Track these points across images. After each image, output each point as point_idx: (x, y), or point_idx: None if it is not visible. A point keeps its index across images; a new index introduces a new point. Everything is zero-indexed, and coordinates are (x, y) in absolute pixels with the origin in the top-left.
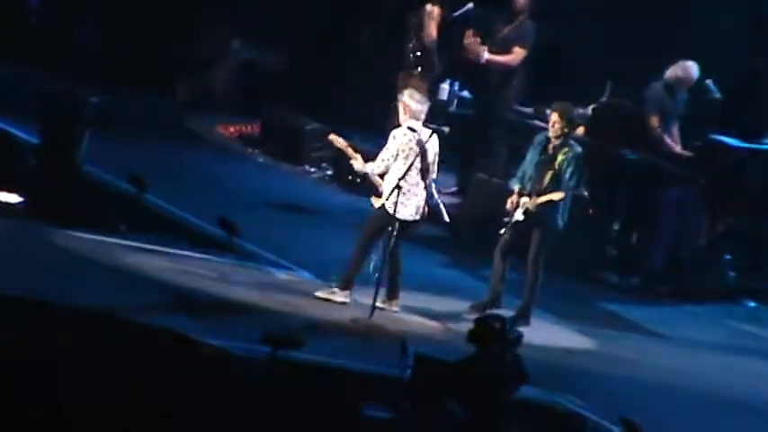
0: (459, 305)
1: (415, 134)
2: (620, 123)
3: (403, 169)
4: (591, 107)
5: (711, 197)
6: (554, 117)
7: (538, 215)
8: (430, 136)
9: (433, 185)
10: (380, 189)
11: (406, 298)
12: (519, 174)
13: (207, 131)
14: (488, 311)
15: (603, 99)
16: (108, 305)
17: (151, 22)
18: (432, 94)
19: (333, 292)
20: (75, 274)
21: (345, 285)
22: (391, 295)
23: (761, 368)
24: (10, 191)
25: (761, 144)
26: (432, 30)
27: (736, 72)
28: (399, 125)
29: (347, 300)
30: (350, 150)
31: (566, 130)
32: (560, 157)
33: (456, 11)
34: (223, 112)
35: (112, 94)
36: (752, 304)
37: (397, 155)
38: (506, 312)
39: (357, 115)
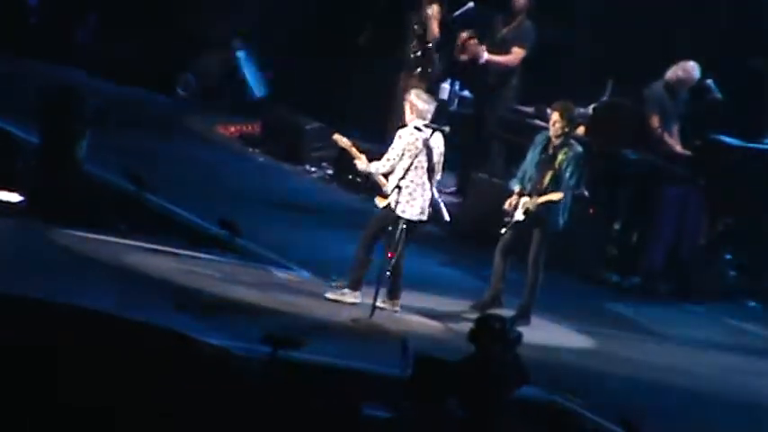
0: (460, 305)
1: (422, 134)
2: (620, 123)
3: (407, 169)
4: (591, 107)
5: (712, 197)
6: (555, 116)
7: (538, 215)
8: (434, 135)
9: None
10: (385, 189)
11: (406, 298)
12: (519, 174)
13: (207, 131)
14: (489, 311)
15: (604, 99)
16: (108, 304)
17: (151, 22)
18: (432, 93)
19: (343, 293)
20: (75, 274)
21: (354, 285)
22: (392, 295)
23: (761, 367)
24: (10, 190)
25: (761, 144)
26: (434, 29)
27: (736, 72)
28: (405, 125)
29: (357, 300)
30: (354, 150)
31: (566, 130)
32: (560, 157)
33: (456, 10)
34: (223, 111)
35: (112, 94)
36: (752, 304)
37: (403, 154)
38: (507, 312)
39: (358, 115)
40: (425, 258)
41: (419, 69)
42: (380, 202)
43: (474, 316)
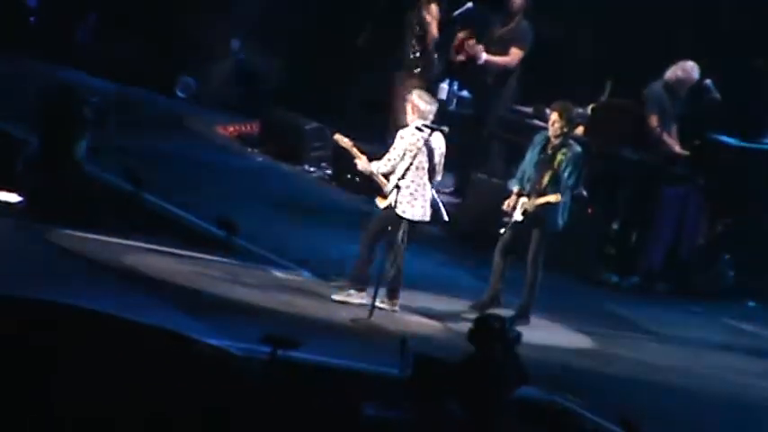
0: (459, 305)
1: (423, 134)
2: (619, 123)
3: (409, 169)
4: (590, 107)
5: (711, 197)
6: (554, 116)
7: (537, 216)
8: (435, 135)
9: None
10: (385, 189)
11: (405, 298)
12: (518, 174)
13: (206, 131)
14: (488, 311)
15: (603, 99)
16: (107, 305)
17: (151, 22)
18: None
19: (349, 295)
20: (74, 274)
21: (359, 286)
22: (391, 295)
23: (760, 367)
24: (9, 190)
25: (760, 144)
26: (434, 29)
27: (735, 72)
28: (406, 125)
29: (364, 300)
30: (355, 150)
31: (565, 130)
32: (559, 157)
33: (456, 10)
34: (222, 111)
35: (112, 94)
36: (751, 304)
37: (404, 155)
38: (506, 312)
39: (356, 115)
40: (425, 258)
41: (418, 69)
42: (381, 203)
43: (473, 316)
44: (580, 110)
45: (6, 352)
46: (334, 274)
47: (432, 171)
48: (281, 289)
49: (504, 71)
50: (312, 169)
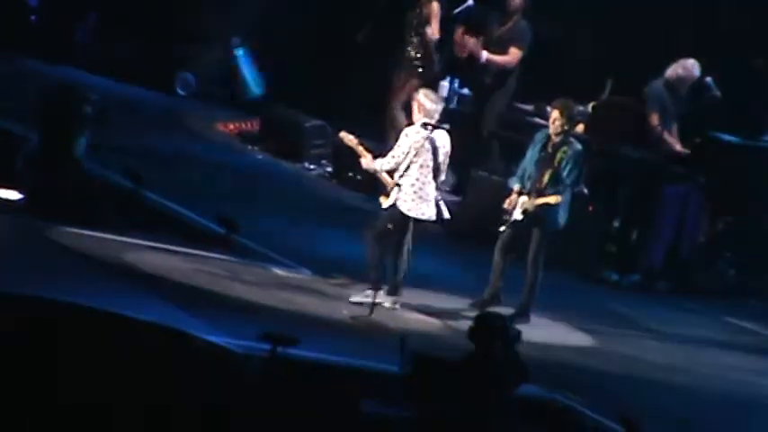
0: (459, 302)
1: (428, 133)
2: (620, 121)
3: (413, 167)
4: (591, 104)
5: (711, 195)
6: (554, 114)
7: (537, 215)
8: (441, 134)
9: None
10: (389, 188)
11: (405, 295)
12: (519, 172)
13: (206, 129)
14: (488, 309)
15: (604, 96)
16: (107, 302)
17: (151, 20)
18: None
19: (367, 296)
20: (74, 271)
21: (375, 286)
22: (392, 292)
23: (760, 366)
24: (9, 187)
25: (761, 142)
26: (435, 28)
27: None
28: (406, 123)
29: (382, 300)
30: (360, 148)
31: (566, 128)
32: (560, 155)
33: (456, 8)
34: (223, 109)
35: (112, 92)
36: (752, 302)
37: (409, 152)
38: (506, 310)
39: (356, 113)
40: (424, 256)
41: (419, 68)
42: (385, 202)
43: (473, 314)
44: (581, 108)
45: (6, 349)
46: (334, 271)
47: (436, 170)
48: (280, 286)
49: (504, 71)
50: (312, 167)
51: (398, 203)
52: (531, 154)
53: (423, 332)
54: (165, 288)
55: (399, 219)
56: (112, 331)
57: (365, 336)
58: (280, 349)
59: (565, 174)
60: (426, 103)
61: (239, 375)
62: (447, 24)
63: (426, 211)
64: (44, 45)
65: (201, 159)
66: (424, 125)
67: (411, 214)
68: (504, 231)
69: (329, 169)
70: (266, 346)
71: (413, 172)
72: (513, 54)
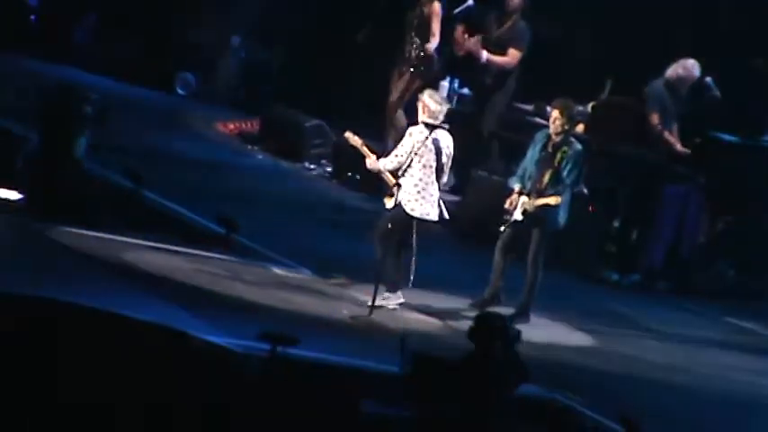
0: (459, 302)
1: (432, 133)
2: (620, 121)
3: (416, 168)
4: (591, 104)
5: (711, 195)
6: (555, 114)
7: (537, 215)
8: (443, 135)
9: None
10: (394, 188)
11: (405, 295)
12: (519, 171)
13: (206, 128)
14: (488, 309)
15: (603, 96)
16: (107, 302)
17: (150, 20)
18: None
19: (384, 298)
20: (73, 271)
21: (392, 288)
22: (392, 290)
23: (760, 366)
24: (9, 187)
25: (761, 142)
26: (437, 28)
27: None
28: (414, 123)
29: (401, 300)
30: (365, 149)
31: (566, 127)
32: (560, 155)
33: (456, 8)
34: (222, 109)
35: (111, 92)
36: (752, 302)
37: (412, 152)
38: (506, 310)
39: (356, 113)
40: (425, 256)
41: (419, 68)
42: (388, 202)
43: (473, 314)
44: (581, 107)
45: (6, 349)
46: (334, 271)
47: (439, 170)
48: (280, 286)
49: (504, 71)
50: (312, 167)
51: (402, 204)
52: (532, 154)
53: (423, 332)
54: (165, 288)
55: (403, 219)
56: (112, 331)
57: (365, 335)
58: (279, 349)
59: (565, 174)
60: (431, 103)
61: (239, 375)
62: (447, 24)
63: (431, 212)
64: (44, 45)
65: (201, 159)
66: (428, 125)
67: (415, 214)
68: (504, 231)
69: (329, 169)
70: (266, 346)
71: (416, 172)
72: (513, 54)
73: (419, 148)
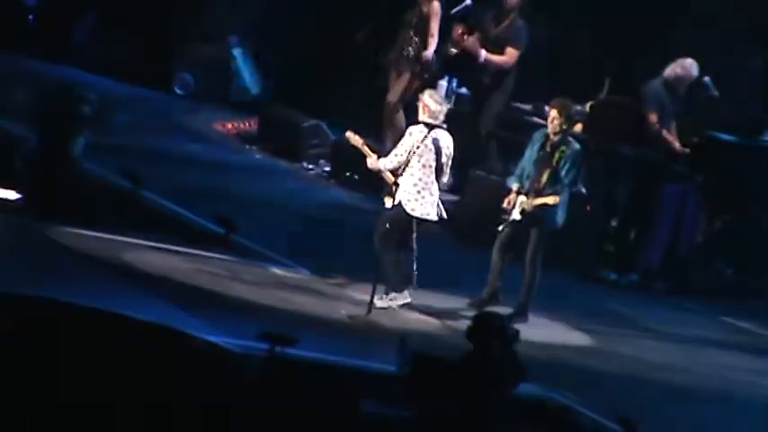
0: (458, 302)
1: (431, 132)
2: (618, 120)
3: (416, 167)
4: (589, 104)
5: (709, 194)
6: (553, 113)
7: (535, 215)
8: (443, 135)
9: None
10: (394, 188)
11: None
12: (517, 171)
13: (204, 128)
14: (486, 308)
15: (602, 96)
16: (106, 302)
17: (149, 20)
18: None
19: (392, 299)
20: (72, 271)
21: (398, 287)
22: (389, 291)
23: (758, 365)
24: (7, 187)
25: (759, 142)
26: (436, 27)
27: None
28: (413, 123)
29: (409, 299)
30: (366, 148)
31: (564, 127)
32: (558, 154)
33: (454, 8)
34: (221, 109)
35: (110, 92)
36: (749, 302)
37: (412, 152)
38: (504, 309)
39: (355, 112)
40: (423, 255)
41: (418, 67)
42: (388, 201)
43: (472, 313)
44: (579, 107)
45: (6, 349)
46: (332, 271)
47: (439, 170)
48: (279, 286)
49: (502, 70)
50: (310, 166)
51: (403, 203)
52: (530, 153)
53: (421, 331)
54: (164, 288)
55: (403, 219)
56: (112, 331)
57: (364, 335)
58: (278, 349)
59: (563, 173)
60: (431, 103)
61: (238, 375)
62: (445, 24)
63: (431, 212)
64: (43, 45)
65: (199, 159)
66: (428, 125)
67: (415, 214)
68: (502, 231)
69: (327, 169)
70: (265, 346)
71: (416, 172)
72: (511, 54)
73: (419, 148)
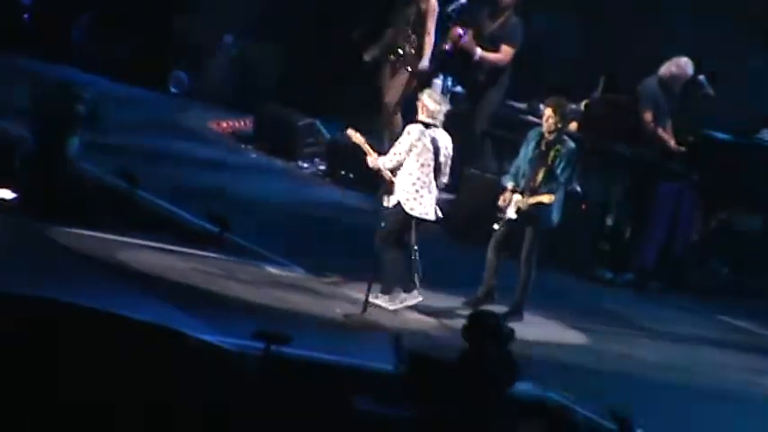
0: (453, 301)
1: (430, 132)
2: (613, 119)
3: (414, 166)
4: (584, 102)
5: (705, 193)
6: (548, 112)
7: (530, 213)
8: (442, 135)
9: None
10: (392, 187)
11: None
12: (512, 170)
13: (200, 127)
14: (481, 307)
15: (596, 94)
16: (102, 301)
17: (144, 19)
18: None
19: (402, 300)
20: (68, 271)
21: (407, 287)
22: (386, 291)
23: (754, 364)
24: (5, 187)
25: (754, 140)
26: (432, 25)
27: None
28: (417, 121)
29: (420, 298)
30: (367, 147)
31: (559, 126)
32: (553, 153)
33: (449, 6)
34: (216, 108)
35: (106, 91)
36: (745, 300)
37: (410, 150)
38: (499, 308)
39: (351, 111)
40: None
41: (413, 65)
42: (388, 201)
43: (467, 312)
44: (574, 106)
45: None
46: (327, 269)
47: (437, 170)
48: (274, 285)
49: (497, 68)
50: (306, 165)
51: (401, 203)
52: (525, 152)
53: (417, 330)
54: (160, 287)
55: (402, 218)
56: (112, 331)
57: (359, 334)
58: (273, 348)
59: (558, 172)
60: (430, 103)
61: (234, 374)
62: (440, 22)
63: (429, 211)
64: (38, 44)
65: (195, 158)
66: (427, 125)
67: (414, 213)
68: (497, 229)
69: (322, 167)
70: (260, 345)
71: (414, 171)
72: (506, 52)
73: (417, 147)
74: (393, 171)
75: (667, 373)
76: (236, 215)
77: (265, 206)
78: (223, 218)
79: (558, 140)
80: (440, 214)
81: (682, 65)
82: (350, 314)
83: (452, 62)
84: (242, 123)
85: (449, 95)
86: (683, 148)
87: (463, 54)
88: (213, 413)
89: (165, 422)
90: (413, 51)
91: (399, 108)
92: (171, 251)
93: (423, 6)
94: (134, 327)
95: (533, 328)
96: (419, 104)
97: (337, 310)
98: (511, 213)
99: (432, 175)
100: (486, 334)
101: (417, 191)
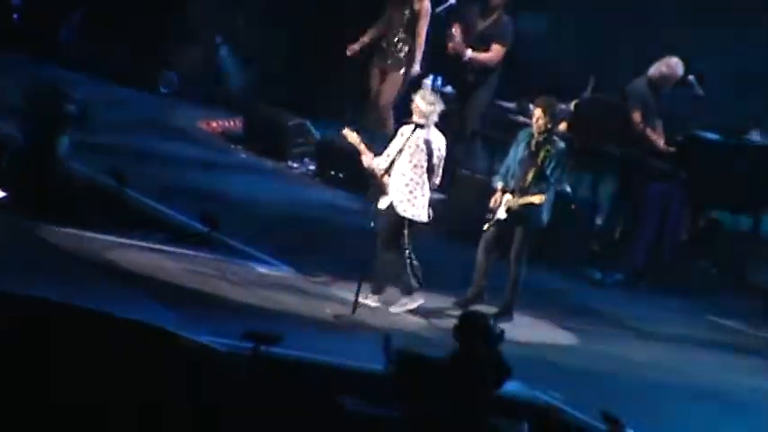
0: (443, 301)
1: (423, 133)
2: (603, 119)
3: (407, 167)
4: (574, 102)
5: (694, 193)
6: (537, 112)
7: (520, 214)
8: (436, 136)
9: None
10: (386, 188)
11: (389, 294)
12: (502, 170)
13: (189, 127)
14: (472, 308)
15: (586, 94)
16: (91, 300)
17: (134, 19)
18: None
19: (402, 304)
20: (58, 270)
21: (407, 290)
22: (377, 290)
23: (742, 363)
24: None
25: (743, 140)
26: (424, 26)
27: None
28: (410, 122)
29: (422, 301)
30: (362, 146)
31: (549, 126)
32: (543, 153)
33: (438, 6)
34: (206, 108)
35: (95, 91)
36: (734, 300)
37: (403, 151)
38: (489, 308)
39: (341, 111)
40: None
41: (404, 65)
42: (382, 202)
43: (457, 312)
44: (563, 106)
45: None
46: (317, 269)
47: (430, 171)
48: (263, 285)
49: (487, 68)
50: (295, 165)
51: (394, 204)
52: (515, 152)
53: (407, 330)
54: (149, 287)
55: (395, 219)
56: (104, 330)
57: (349, 334)
58: (263, 348)
59: (548, 172)
60: (422, 104)
61: (223, 374)
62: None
63: (422, 213)
64: (27, 43)
65: (184, 158)
66: (420, 126)
67: (406, 215)
68: (487, 230)
69: (312, 168)
70: (249, 345)
71: (407, 171)
72: (496, 51)
73: (410, 148)
74: (387, 172)
75: (656, 373)
76: (225, 215)
77: (255, 206)
78: (214, 218)
79: (548, 141)
80: (431, 214)
81: (672, 65)
82: (339, 314)
83: (442, 62)
84: (232, 123)
85: (438, 95)
86: (672, 149)
87: (454, 53)
88: (203, 412)
89: (155, 421)
90: (405, 52)
91: (391, 110)
92: (160, 250)
93: (416, 7)
94: (124, 326)
95: (523, 328)
96: (412, 106)
97: (327, 310)
98: (501, 213)
99: (425, 176)
100: (476, 334)
101: (411, 192)
